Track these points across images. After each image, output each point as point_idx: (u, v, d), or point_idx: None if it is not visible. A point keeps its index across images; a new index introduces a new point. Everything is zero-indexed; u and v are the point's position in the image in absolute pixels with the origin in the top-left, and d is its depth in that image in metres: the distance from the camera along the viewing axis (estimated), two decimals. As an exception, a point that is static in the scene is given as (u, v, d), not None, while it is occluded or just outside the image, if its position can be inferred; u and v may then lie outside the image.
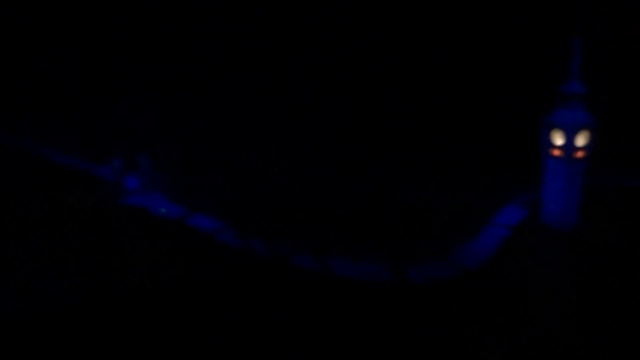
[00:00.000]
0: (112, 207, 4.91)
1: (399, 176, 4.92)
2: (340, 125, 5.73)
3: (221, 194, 5.08)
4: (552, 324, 2.86)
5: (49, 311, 3.11)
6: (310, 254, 3.69)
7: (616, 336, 2.68)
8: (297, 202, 4.70)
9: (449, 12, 4.89)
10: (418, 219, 4.12)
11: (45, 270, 3.70)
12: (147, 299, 3.28)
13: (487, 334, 2.79)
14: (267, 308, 3.09)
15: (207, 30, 6.46)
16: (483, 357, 2.55)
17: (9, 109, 8.25)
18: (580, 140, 3.48)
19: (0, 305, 3.19)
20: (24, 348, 2.76)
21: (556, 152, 3.58)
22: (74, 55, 7.93)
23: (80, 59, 7.82)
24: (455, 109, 5.26)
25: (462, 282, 3.28)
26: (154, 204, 4.85)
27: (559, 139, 3.53)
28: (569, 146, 3.50)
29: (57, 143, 6.84)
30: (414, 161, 5.17)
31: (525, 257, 3.51)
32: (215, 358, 2.64)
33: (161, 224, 4.47)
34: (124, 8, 6.78)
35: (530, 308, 3.00)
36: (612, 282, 3.18)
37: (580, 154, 3.51)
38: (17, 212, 4.77)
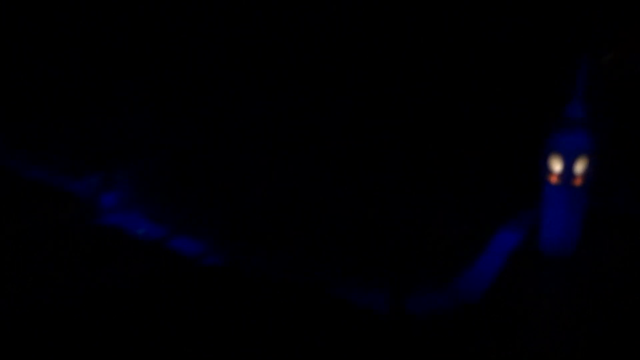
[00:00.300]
0: (86, 227, 4.62)
1: (391, 192, 4.79)
2: (337, 142, 5.58)
3: (207, 212, 4.85)
4: (554, 357, 2.76)
5: None
6: (305, 277, 3.52)
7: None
8: (286, 217, 4.51)
9: (448, 25, 4.82)
10: (413, 241, 3.99)
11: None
12: (118, 329, 3.05)
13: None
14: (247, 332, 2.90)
15: (192, 32, 6.24)
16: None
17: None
18: (580, 166, 3.41)
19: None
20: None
21: (554, 179, 3.51)
22: (45, 56, 7.57)
23: (53, 59, 7.46)
24: (449, 128, 5.19)
25: (462, 313, 3.16)
26: (133, 224, 4.59)
27: (557, 165, 3.46)
28: (567, 172, 3.43)
29: (24, 154, 6.46)
30: (408, 179, 5.06)
31: (525, 286, 3.42)
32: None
33: (140, 246, 4.22)
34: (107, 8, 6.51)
35: (532, 340, 2.90)
36: (613, 312, 3.11)
37: (579, 181, 3.45)
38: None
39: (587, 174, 3.46)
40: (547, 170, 3.56)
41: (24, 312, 3.27)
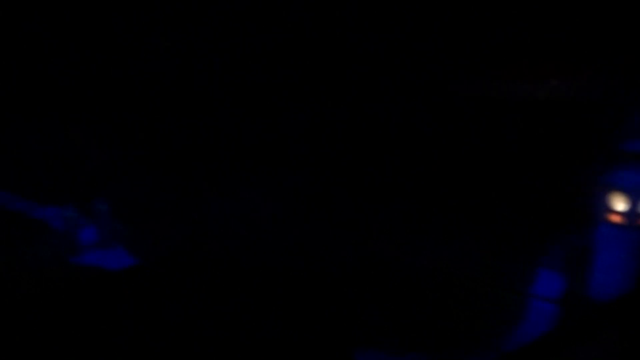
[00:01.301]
0: (63, 266, 3.97)
1: (412, 233, 4.30)
2: (345, 174, 5.03)
3: (195, 247, 4.26)
4: None
5: None
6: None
7: None
8: (284, 264, 3.97)
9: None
10: (447, 290, 3.51)
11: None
12: None
13: None
14: None
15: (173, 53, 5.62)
16: None
17: None
18: (646, 206, 3.01)
19: None
20: None
21: (615, 218, 3.10)
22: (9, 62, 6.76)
23: (23, 60, 6.65)
24: (477, 171, 4.72)
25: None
26: (116, 263, 3.96)
27: (620, 204, 3.05)
28: (632, 212, 3.02)
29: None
30: (427, 218, 4.57)
31: (586, 343, 2.98)
32: None
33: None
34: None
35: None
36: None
37: (644, 222, 3.04)
38: None
39: (653, 214, 3.06)
40: (605, 209, 3.14)
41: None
